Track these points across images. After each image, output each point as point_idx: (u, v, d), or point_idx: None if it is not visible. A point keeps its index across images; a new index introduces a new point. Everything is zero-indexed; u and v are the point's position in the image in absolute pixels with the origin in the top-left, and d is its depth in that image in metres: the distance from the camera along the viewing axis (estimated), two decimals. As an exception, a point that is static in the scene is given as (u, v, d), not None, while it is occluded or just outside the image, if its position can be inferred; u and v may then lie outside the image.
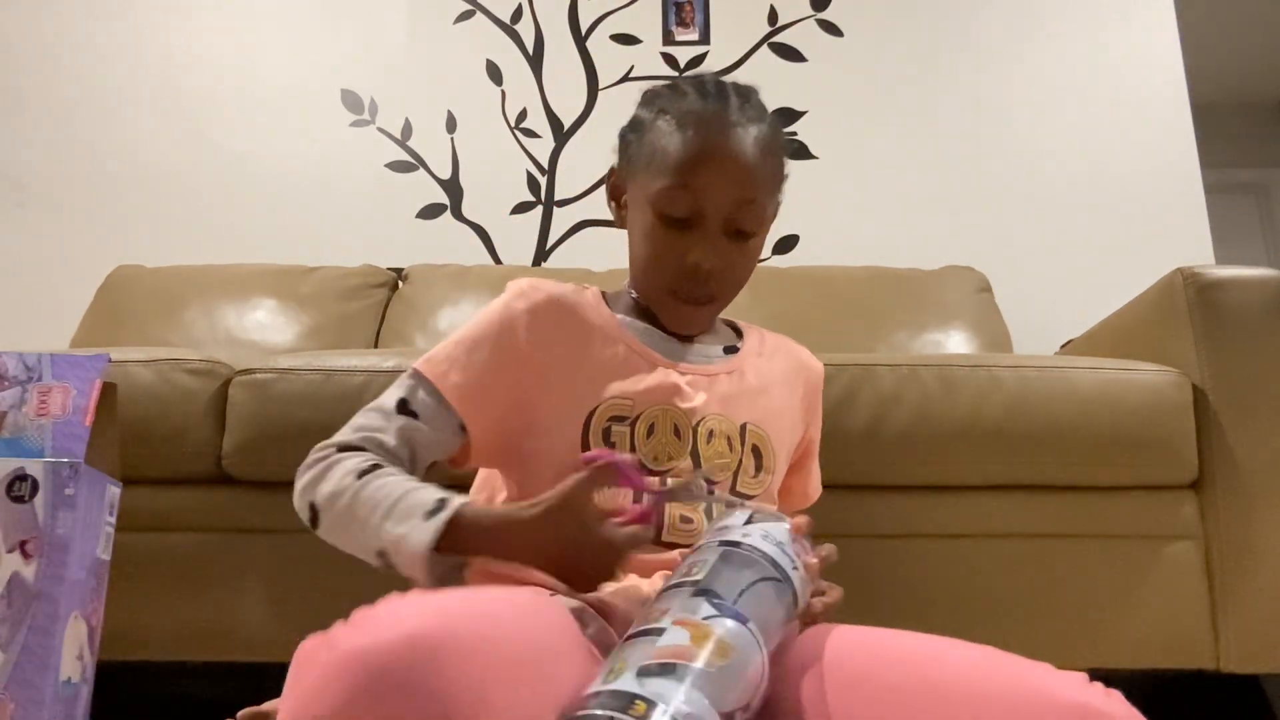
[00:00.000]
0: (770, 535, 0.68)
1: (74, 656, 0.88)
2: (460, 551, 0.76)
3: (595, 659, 0.65)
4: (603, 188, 0.99)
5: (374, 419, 0.86)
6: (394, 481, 0.79)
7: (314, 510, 0.83)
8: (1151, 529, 1.24)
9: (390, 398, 0.88)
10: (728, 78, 0.93)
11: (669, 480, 0.84)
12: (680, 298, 0.90)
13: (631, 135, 0.93)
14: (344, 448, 0.85)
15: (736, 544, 0.67)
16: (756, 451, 0.90)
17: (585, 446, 0.84)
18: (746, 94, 0.91)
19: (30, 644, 0.84)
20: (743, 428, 0.89)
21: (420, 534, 0.74)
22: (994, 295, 2.17)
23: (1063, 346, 1.91)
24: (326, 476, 0.82)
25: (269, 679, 0.59)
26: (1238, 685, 1.28)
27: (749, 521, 0.70)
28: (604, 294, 0.97)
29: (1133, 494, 1.25)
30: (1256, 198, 4.69)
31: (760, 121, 0.89)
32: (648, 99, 0.94)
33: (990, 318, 2.11)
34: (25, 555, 0.85)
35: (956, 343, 2.03)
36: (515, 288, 0.92)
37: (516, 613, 0.60)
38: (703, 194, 0.86)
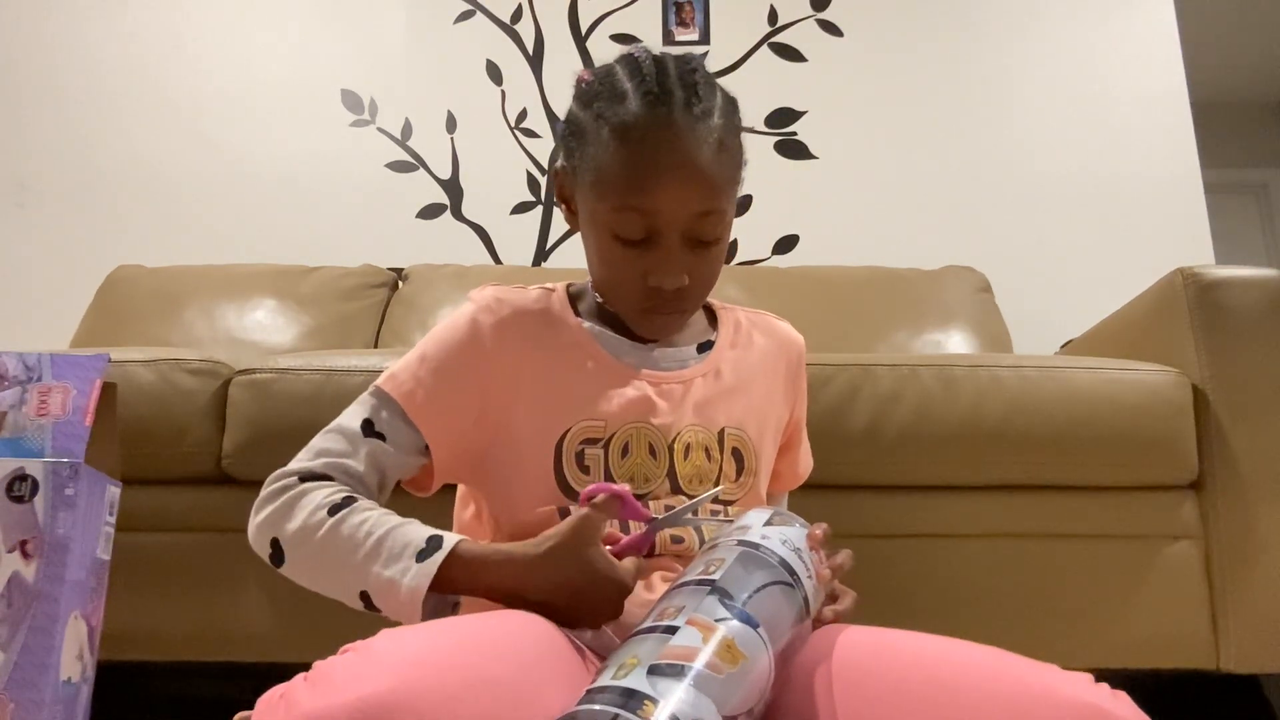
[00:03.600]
0: (789, 540, 0.68)
1: (74, 656, 0.88)
2: (455, 591, 0.74)
3: (586, 680, 0.64)
4: None
5: (338, 443, 0.81)
6: (374, 518, 0.75)
7: (277, 547, 0.78)
8: (1151, 529, 1.24)
9: (353, 418, 0.83)
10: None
11: (664, 505, 0.82)
12: (647, 312, 0.85)
13: (573, 141, 0.84)
14: (308, 476, 0.79)
15: (755, 545, 0.67)
16: (737, 454, 0.87)
17: (559, 471, 0.81)
18: (691, 80, 0.81)
19: (30, 644, 0.84)
20: (721, 433, 0.86)
21: (416, 577, 0.71)
22: (994, 295, 2.17)
23: (1063, 346, 1.91)
24: (293, 512, 0.77)
25: (269, 679, 0.59)
26: (1238, 685, 1.28)
27: (768, 523, 0.70)
28: (570, 292, 0.92)
29: (1133, 494, 1.25)
30: (1256, 198, 4.70)
31: (710, 115, 0.80)
32: (584, 97, 0.84)
33: (990, 318, 2.11)
34: (25, 555, 0.85)
35: (956, 343, 2.03)
36: (481, 301, 0.87)
37: (497, 653, 0.58)
38: (656, 215, 0.78)
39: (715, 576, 0.63)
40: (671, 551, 0.81)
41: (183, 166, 2.50)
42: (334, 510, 0.76)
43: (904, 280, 2.16)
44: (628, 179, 0.78)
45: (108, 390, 0.99)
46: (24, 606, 0.84)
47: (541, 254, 2.46)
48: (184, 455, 1.23)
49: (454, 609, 0.77)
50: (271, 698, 0.55)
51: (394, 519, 0.76)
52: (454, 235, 2.46)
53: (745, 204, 2.48)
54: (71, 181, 2.49)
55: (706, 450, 0.85)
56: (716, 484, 0.85)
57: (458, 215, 2.48)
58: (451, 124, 2.52)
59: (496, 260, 2.45)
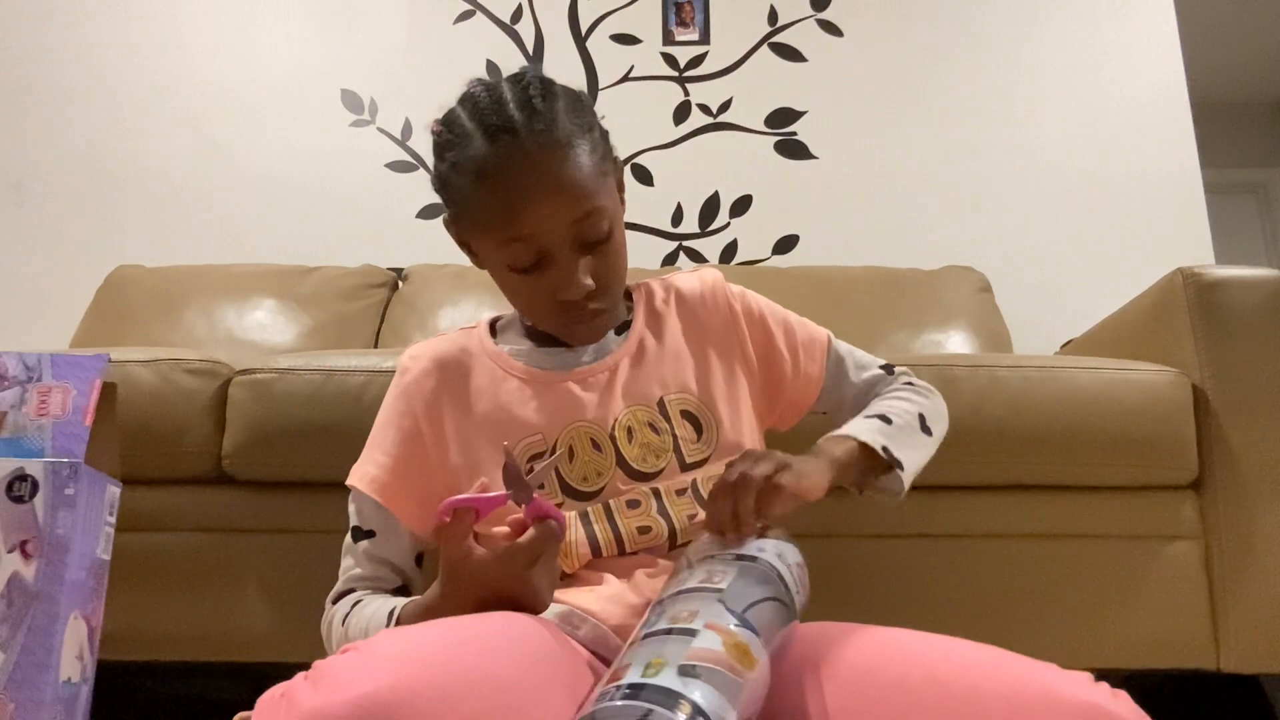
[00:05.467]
0: (783, 555, 0.68)
1: (74, 656, 0.88)
2: None
3: (585, 679, 0.65)
4: None
5: (347, 560, 0.89)
6: (364, 614, 0.81)
7: None
8: (1151, 529, 1.24)
9: (349, 531, 0.90)
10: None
11: (625, 500, 0.82)
12: (570, 325, 0.87)
13: (444, 194, 0.87)
14: (336, 597, 0.88)
15: (753, 558, 0.67)
16: (689, 416, 0.87)
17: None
18: (526, 98, 0.82)
19: (30, 644, 0.83)
20: (660, 404, 0.87)
21: None
22: (994, 295, 2.17)
23: (1063, 346, 1.91)
24: (330, 634, 0.85)
25: (269, 679, 0.59)
26: (1238, 685, 1.27)
27: (760, 535, 0.70)
28: (494, 324, 0.96)
29: (1133, 494, 1.25)
30: (1256, 198, 4.70)
31: (554, 125, 0.81)
32: (438, 147, 0.86)
33: (990, 318, 2.11)
34: (25, 555, 0.85)
35: (956, 343, 2.02)
36: (400, 364, 0.92)
37: (495, 652, 0.59)
38: (537, 238, 0.81)
39: (722, 586, 0.64)
40: (642, 545, 0.82)
41: (183, 166, 2.49)
42: (344, 621, 0.83)
43: (904, 280, 2.15)
44: (498, 214, 0.81)
45: (108, 390, 0.99)
46: (24, 606, 0.84)
47: (541, 254, 2.46)
48: (184, 455, 1.23)
49: None
50: (272, 696, 0.55)
51: (375, 604, 0.81)
52: (454, 235, 2.46)
53: (745, 204, 2.48)
54: (71, 181, 2.48)
55: (651, 426, 0.86)
56: (678, 451, 0.85)
57: (458, 215, 2.48)
58: (451, 124, 2.52)
59: (496, 260, 2.45)
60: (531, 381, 0.88)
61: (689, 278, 0.98)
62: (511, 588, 0.71)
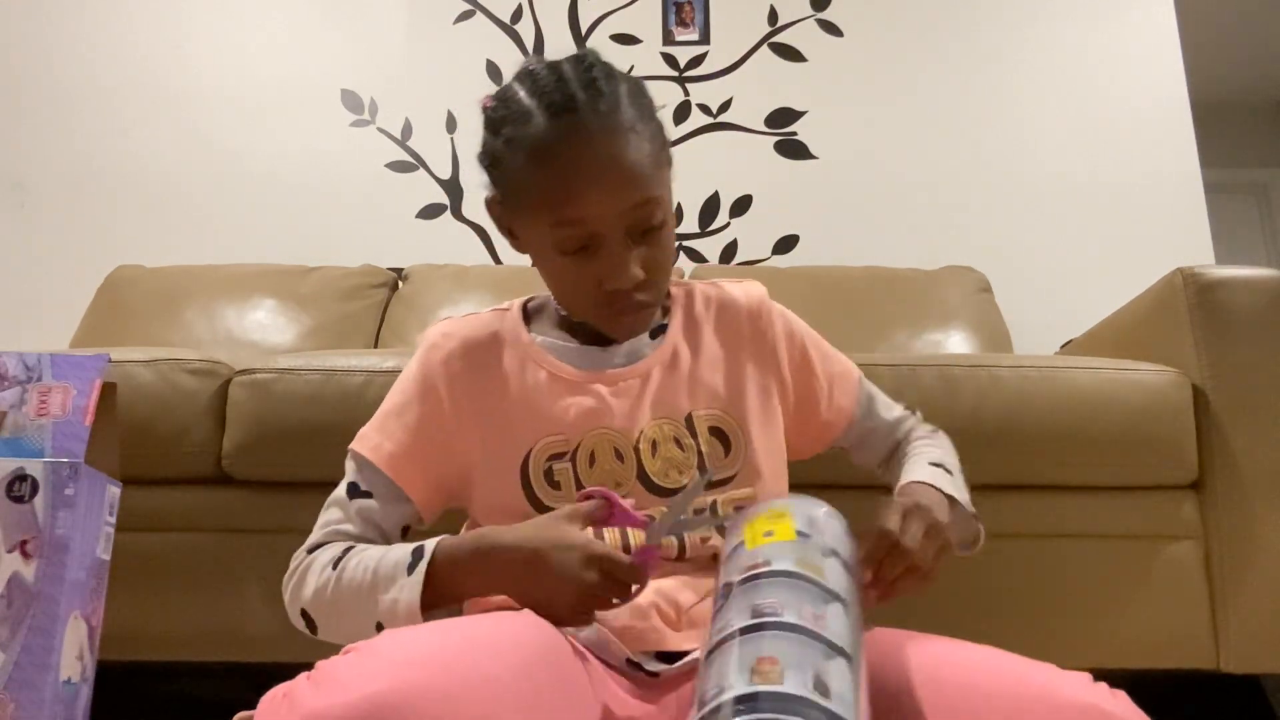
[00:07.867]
0: (848, 563, 0.64)
1: (74, 656, 0.88)
2: (450, 592, 0.75)
3: (585, 681, 0.64)
4: None
5: (334, 513, 0.85)
6: (368, 555, 0.78)
7: (307, 617, 0.82)
8: (1151, 529, 1.24)
9: (342, 486, 0.86)
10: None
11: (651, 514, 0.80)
12: (614, 316, 0.84)
13: (494, 171, 0.84)
14: (313, 548, 0.84)
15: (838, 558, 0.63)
16: (718, 433, 0.85)
17: (529, 491, 0.81)
18: (590, 78, 0.79)
19: (30, 644, 0.84)
20: (689, 419, 0.85)
21: (409, 591, 0.73)
22: (994, 295, 2.17)
23: (1063, 346, 1.91)
24: (305, 579, 0.81)
25: (269, 679, 0.59)
26: (1238, 685, 1.28)
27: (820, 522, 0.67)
28: (527, 308, 0.92)
29: (1133, 494, 1.25)
30: (1256, 198, 4.70)
31: (618, 108, 0.78)
32: (492, 124, 0.83)
33: (990, 318, 2.11)
34: (25, 555, 0.85)
35: (956, 343, 2.03)
36: (429, 339, 0.89)
37: (497, 653, 0.58)
38: (591, 222, 0.77)
39: (834, 587, 0.58)
40: (702, 549, 0.80)
41: (182, 166, 2.49)
42: (336, 563, 0.79)
43: (904, 280, 2.16)
44: (555, 196, 0.77)
45: (108, 390, 0.99)
46: (24, 606, 0.84)
47: (541, 254, 2.45)
48: (184, 455, 1.23)
49: (459, 614, 0.78)
50: (274, 696, 0.55)
51: (386, 548, 0.78)
52: (454, 235, 2.46)
53: (745, 204, 2.48)
54: (71, 181, 2.49)
55: (677, 441, 0.83)
56: (703, 470, 0.83)
57: (458, 215, 2.48)
58: (451, 124, 2.52)
59: (496, 260, 2.45)
60: (563, 380, 0.85)
61: (733, 288, 0.94)
62: (575, 595, 0.70)
